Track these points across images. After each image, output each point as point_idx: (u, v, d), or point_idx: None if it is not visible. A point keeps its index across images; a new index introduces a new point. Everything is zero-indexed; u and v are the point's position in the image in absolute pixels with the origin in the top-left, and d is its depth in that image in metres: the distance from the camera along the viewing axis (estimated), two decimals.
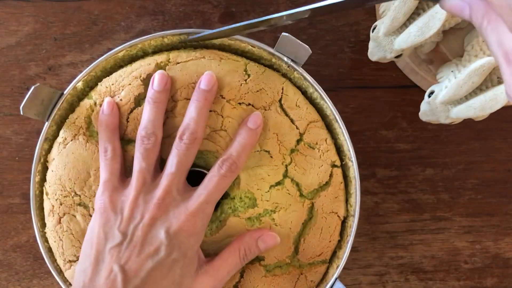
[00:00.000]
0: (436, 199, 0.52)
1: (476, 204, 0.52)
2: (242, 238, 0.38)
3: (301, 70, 0.40)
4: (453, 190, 0.52)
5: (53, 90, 0.40)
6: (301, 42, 0.39)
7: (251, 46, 0.41)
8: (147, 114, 0.37)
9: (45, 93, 0.39)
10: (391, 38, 0.43)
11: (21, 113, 0.37)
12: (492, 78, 0.42)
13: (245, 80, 0.39)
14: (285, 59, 0.40)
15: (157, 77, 0.38)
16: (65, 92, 0.40)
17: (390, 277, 0.52)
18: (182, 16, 0.51)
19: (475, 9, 0.26)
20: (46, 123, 0.40)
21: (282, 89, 0.40)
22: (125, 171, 0.39)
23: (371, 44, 0.46)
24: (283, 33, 0.39)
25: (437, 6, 0.40)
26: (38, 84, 0.38)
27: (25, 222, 0.50)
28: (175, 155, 0.36)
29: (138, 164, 0.36)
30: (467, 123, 0.46)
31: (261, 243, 0.37)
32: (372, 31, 0.45)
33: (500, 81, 0.42)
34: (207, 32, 0.39)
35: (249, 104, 0.39)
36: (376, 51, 0.45)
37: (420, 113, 0.46)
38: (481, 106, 0.41)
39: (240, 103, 0.39)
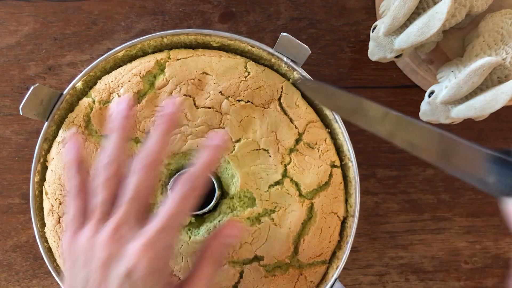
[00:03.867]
0: (436, 199, 0.52)
1: (476, 204, 0.52)
2: (209, 247, 0.34)
3: (300, 70, 0.40)
4: (453, 190, 0.52)
5: (52, 90, 0.40)
6: (300, 42, 0.39)
7: (251, 46, 0.41)
8: (111, 141, 0.34)
9: (45, 93, 0.39)
10: (391, 38, 0.43)
11: (21, 113, 0.37)
12: (492, 78, 0.42)
13: (245, 77, 0.39)
14: (285, 59, 0.40)
15: (116, 104, 0.35)
16: (64, 92, 0.40)
17: (390, 277, 0.52)
18: (182, 16, 0.51)
19: None
20: (46, 123, 0.40)
21: (282, 87, 0.40)
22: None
23: (371, 44, 0.46)
24: (283, 33, 0.39)
25: (437, 6, 0.40)
26: (38, 84, 0.38)
27: (25, 222, 0.50)
28: (133, 181, 0.32)
29: (99, 195, 0.33)
30: (467, 123, 0.46)
31: (227, 239, 0.34)
32: (372, 31, 0.45)
33: (500, 81, 0.42)
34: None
35: (248, 101, 0.39)
36: (376, 51, 0.45)
37: (420, 113, 0.46)
38: (481, 106, 0.41)
39: (239, 100, 0.39)
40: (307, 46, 0.39)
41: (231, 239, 0.34)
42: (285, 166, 0.39)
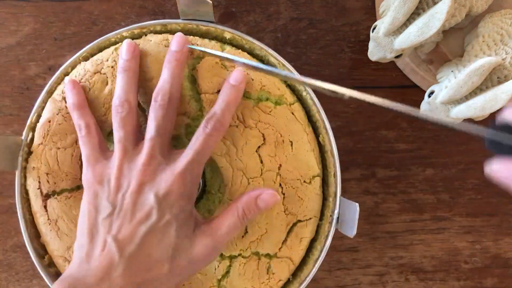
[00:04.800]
0: (436, 199, 0.52)
1: (476, 204, 0.52)
2: (241, 198, 0.37)
3: (232, 30, 0.40)
4: (453, 190, 0.52)
5: (15, 138, 0.39)
6: None
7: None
8: (119, 83, 0.37)
9: (9, 143, 0.39)
10: (391, 38, 0.43)
11: None
12: (492, 78, 0.42)
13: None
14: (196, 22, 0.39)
15: (124, 46, 0.38)
16: (23, 138, 0.40)
17: (390, 277, 0.52)
18: None
19: None
20: (17, 172, 0.40)
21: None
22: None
23: (371, 44, 0.46)
24: None
25: (437, 6, 0.40)
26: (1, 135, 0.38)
27: None
28: (153, 118, 0.36)
29: (116, 134, 0.36)
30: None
31: (260, 201, 0.36)
32: (372, 31, 0.45)
33: (500, 81, 0.42)
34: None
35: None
36: (376, 51, 0.45)
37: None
38: (481, 106, 0.41)
39: None
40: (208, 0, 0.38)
41: (264, 204, 0.37)
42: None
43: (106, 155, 0.37)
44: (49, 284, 0.40)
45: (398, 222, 0.52)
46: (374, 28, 0.45)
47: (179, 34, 0.38)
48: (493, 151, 0.27)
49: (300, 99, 0.41)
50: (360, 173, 0.52)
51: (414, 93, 0.51)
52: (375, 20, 0.47)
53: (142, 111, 0.39)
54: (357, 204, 0.37)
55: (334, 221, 0.39)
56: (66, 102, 0.39)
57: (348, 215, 0.38)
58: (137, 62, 0.38)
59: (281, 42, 0.51)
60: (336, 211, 0.39)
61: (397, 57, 0.44)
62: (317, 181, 0.40)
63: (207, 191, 0.41)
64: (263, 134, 0.38)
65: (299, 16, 0.51)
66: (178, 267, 0.34)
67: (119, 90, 0.37)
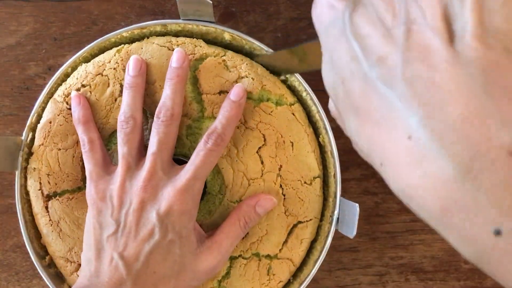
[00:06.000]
0: None
1: None
2: (240, 208, 0.38)
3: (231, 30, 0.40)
4: None
5: (15, 139, 0.39)
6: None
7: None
8: (125, 99, 0.37)
9: (9, 143, 0.39)
10: None
11: None
12: None
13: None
14: (197, 23, 0.39)
15: (131, 62, 0.38)
16: (23, 138, 0.39)
17: (390, 277, 0.52)
18: None
19: None
20: (17, 172, 0.40)
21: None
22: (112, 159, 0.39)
23: None
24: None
25: None
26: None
27: None
28: (155, 134, 0.36)
29: (120, 149, 0.37)
30: None
31: (259, 208, 0.38)
32: None
33: None
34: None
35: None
36: None
37: None
38: None
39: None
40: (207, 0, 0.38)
41: (262, 210, 0.38)
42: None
43: (109, 170, 0.37)
44: (49, 285, 0.40)
45: (398, 222, 0.52)
46: None
47: (179, 50, 0.38)
48: None
49: (300, 100, 0.41)
50: (360, 173, 0.52)
51: None
52: None
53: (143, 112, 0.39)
54: (357, 204, 0.37)
55: (334, 221, 0.40)
56: (67, 104, 0.39)
57: (348, 216, 0.38)
58: (143, 79, 0.38)
59: (281, 42, 0.51)
60: (336, 212, 0.39)
61: None
62: (318, 182, 0.40)
63: (207, 193, 0.41)
64: (263, 135, 0.38)
65: (299, 16, 0.51)
66: (183, 282, 0.35)
67: (125, 106, 0.37)
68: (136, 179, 0.35)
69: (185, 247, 0.35)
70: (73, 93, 0.39)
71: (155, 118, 0.37)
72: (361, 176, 0.52)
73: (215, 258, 0.36)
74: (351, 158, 0.51)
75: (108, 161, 0.38)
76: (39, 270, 0.39)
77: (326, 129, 0.40)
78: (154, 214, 0.34)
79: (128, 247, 0.34)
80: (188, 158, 0.37)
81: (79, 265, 0.39)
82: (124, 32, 0.40)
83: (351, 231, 0.37)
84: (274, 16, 0.51)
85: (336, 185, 0.40)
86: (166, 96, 0.37)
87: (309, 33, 0.51)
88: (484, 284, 0.52)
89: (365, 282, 0.52)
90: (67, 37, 0.51)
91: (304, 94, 0.40)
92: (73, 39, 0.50)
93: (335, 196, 0.40)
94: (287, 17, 0.51)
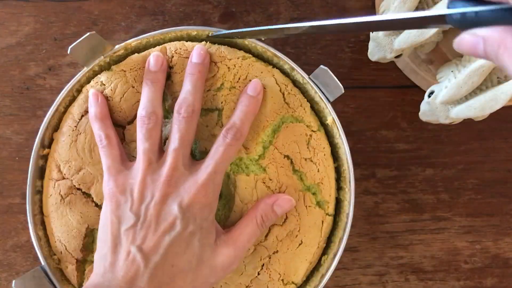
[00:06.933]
0: (436, 199, 0.52)
1: (476, 204, 0.52)
2: (258, 205, 0.38)
3: (329, 107, 0.41)
4: (453, 190, 0.52)
5: (106, 42, 0.40)
6: (336, 79, 0.39)
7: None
8: (145, 94, 0.38)
9: (97, 42, 0.39)
10: (391, 38, 0.43)
11: (68, 52, 0.38)
12: (492, 78, 0.42)
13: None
14: (320, 92, 0.40)
15: (152, 58, 0.38)
16: (116, 47, 0.40)
17: (390, 277, 0.52)
18: (182, 16, 0.51)
19: (490, 40, 0.26)
20: (85, 68, 0.40)
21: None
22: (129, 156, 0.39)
23: (371, 44, 0.46)
24: (322, 66, 0.39)
25: (437, 6, 0.40)
26: (94, 32, 0.39)
27: (25, 222, 0.50)
28: (176, 130, 0.36)
29: (141, 145, 0.36)
30: (467, 123, 0.46)
31: (277, 207, 0.38)
32: (372, 31, 0.45)
33: (500, 81, 0.42)
34: (233, 31, 0.40)
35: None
36: (376, 51, 0.45)
37: (420, 113, 0.46)
38: (481, 106, 0.41)
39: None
40: (341, 85, 0.39)
41: (280, 209, 0.38)
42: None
43: (127, 165, 0.37)
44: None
45: (398, 222, 0.52)
46: None
47: (200, 46, 0.39)
48: (456, 26, 0.28)
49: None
50: (360, 173, 0.52)
51: (414, 93, 0.51)
52: None
53: None
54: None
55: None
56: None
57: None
58: (164, 76, 0.39)
59: (281, 42, 0.51)
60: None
61: (397, 57, 0.44)
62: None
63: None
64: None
65: (299, 16, 0.51)
66: (201, 277, 0.35)
67: (146, 101, 0.37)
68: (158, 174, 0.36)
69: (205, 240, 0.35)
70: (91, 91, 0.39)
71: (175, 113, 0.37)
72: (361, 176, 0.52)
73: (232, 252, 0.36)
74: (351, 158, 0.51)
75: (124, 157, 0.38)
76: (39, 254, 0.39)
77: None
78: (176, 207, 0.34)
79: (147, 240, 0.34)
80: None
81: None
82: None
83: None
84: (274, 16, 0.51)
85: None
86: (187, 91, 0.37)
87: (309, 33, 0.51)
88: (484, 284, 0.52)
89: (365, 282, 0.52)
90: (67, 37, 0.51)
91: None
92: (73, 39, 0.50)
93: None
94: (287, 17, 0.51)
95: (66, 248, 0.39)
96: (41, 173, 0.41)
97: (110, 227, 0.35)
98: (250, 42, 0.41)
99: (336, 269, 0.41)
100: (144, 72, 0.39)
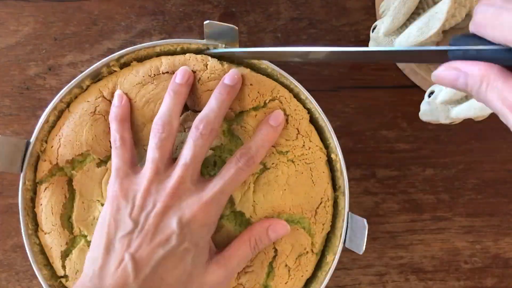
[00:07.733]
0: (436, 199, 0.52)
1: (476, 204, 0.52)
2: (252, 228, 0.38)
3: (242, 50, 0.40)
4: (453, 190, 0.52)
5: (16, 141, 0.39)
6: (225, 24, 0.38)
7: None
8: (165, 104, 0.37)
9: (8, 145, 0.38)
10: (391, 38, 0.43)
11: None
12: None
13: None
14: (219, 44, 0.40)
15: (180, 71, 0.38)
16: (31, 140, 0.39)
17: (390, 277, 0.52)
18: (182, 16, 0.51)
19: (473, 75, 0.27)
20: (22, 173, 0.39)
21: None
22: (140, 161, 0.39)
23: (371, 44, 0.46)
24: (206, 21, 0.39)
25: (437, 6, 0.40)
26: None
27: None
28: (191, 145, 0.36)
29: (151, 153, 0.36)
30: (467, 123, 0.46)
31: (271, 232, 0.37)
32: (372, 31, 0.45)
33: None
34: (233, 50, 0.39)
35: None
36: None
37: (420, 113, 0.46)
38: (481, 106, 0.41)
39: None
40: (233, 25, 0.38)
41: (275, 235, 0.38)
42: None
43: (135, 170, 0.37)
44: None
45: (398, 222, 0.52)
46: (374, 28, 0.45)
47: (234, 70, 0.38)
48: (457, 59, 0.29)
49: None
50: (360, 173, 0.52)
51: (414, 93, 0.51)
52: (375, 20, 0.47)
53: None
54: (364, 219, 0.38)
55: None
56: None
57: (357, 231, 0.39)
58: (187, 90, 0.38)
59: (281, 42, 0.51)
60: (343, 230, 0.40)
61: None
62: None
63: None
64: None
65: (299, 16, 0.51)
66: None
67: (165, 110, 0.37)
68: (164, 184, 0.35)
69: (198, 258, 0.35)
70: (117, 91, 0.39)
71: (193, 127, 0.36)
72: (361, 176, 0.52)
73: (222, 273, 0.36)
74: (351, 158, 0.51)
75: (135, 162, 0.38)
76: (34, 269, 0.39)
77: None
78: (175, 221, 0.34)
79: (141, 249, 0.33)
80: None
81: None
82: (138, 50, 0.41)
83: (360, 248, 0.39)
84: (274, 16, 0.51)
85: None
86: (211, 109, 0.37)
87: (309, 33, 0.51)
88: (484, 284, 0.52)
89: (365, 282, 0.52)
90: (67, 37, 0.51)
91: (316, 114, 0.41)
92: (73, 39, 0.51)
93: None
94: (287, 17, 0.51)
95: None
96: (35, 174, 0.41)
97: (107, 229, 0.35)
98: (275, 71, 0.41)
99: (336, 269, 0.42)
100: (170, 83, 0.39)
